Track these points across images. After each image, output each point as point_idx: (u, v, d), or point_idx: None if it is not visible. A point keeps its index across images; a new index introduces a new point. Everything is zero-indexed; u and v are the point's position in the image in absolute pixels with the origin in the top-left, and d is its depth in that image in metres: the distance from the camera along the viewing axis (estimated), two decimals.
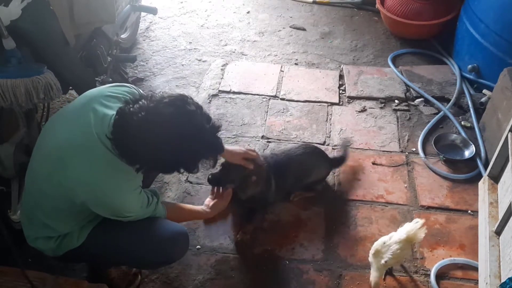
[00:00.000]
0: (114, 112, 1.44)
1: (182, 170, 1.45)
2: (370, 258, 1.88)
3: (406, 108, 2.80)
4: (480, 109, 2.68)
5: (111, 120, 1.42)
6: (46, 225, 1.53)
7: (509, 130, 1.98)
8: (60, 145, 1.44)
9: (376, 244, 1.87)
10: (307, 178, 2.22)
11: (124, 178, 1.48)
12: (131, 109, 1.38)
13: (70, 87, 2.25)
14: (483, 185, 2.17)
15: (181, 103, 1.39)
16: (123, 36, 3.08)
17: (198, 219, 2.09)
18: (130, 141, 1.37)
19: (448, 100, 2.81)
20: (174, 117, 1.36)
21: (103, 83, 2.44)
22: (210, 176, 1.98)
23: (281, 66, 3.13)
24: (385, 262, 1.82)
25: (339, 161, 2.34)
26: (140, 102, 1.39)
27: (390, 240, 1.85)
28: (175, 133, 1.36)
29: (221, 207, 2.01)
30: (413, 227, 1.86)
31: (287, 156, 2.18)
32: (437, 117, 2.69)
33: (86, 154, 1.42)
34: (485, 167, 2.29)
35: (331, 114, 2.76)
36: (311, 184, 2.25)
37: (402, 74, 3.03)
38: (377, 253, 1.84)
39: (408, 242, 1.85)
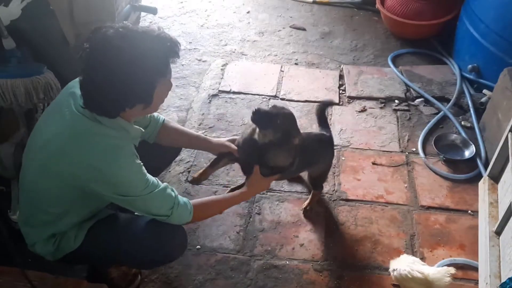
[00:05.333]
0: None
1: (168, 76, 1.43)
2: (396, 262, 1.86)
3: (406, 108, 2.80)
4: (480, 109, 2.68)
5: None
6: (44, 221, 1.53)
7: (509, 130, 1.98)
8: (47, 139, 1.43)
9: (405, 256, 1.87)
10: (316, 163, 2.07)
11: (117, 145, 1.43)
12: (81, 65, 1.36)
13: None
14: (483, 185, 2.16)
15: (110, 26, 1.35)
16: None
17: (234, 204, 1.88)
18: (100, 80, 1.33)
19: (448, 100, 2.81)
20: (118, 33, 1.32)
21: None
22: (256, 108, 1.66)
23: (281, 66, 3.13)
24: (393, 270, 1.81)
25: None
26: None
27: (418, 266, 1.79)
28: (133, 44, 1.32)
29: (264, 182, 1.82)
30: (441, 271, 1.79)
31: (307, 135, 2.02)
32: (437, 117, 2.69)
33: (80, 137, 1.40)
34: (485, 167, 2.29)
35: (331, 114, 2.75)
36: (319, 175, 2.14)
37: (402, 74, 3.03)
38: (398, 260, 1.84)
39: (425, 281, 1.76)
